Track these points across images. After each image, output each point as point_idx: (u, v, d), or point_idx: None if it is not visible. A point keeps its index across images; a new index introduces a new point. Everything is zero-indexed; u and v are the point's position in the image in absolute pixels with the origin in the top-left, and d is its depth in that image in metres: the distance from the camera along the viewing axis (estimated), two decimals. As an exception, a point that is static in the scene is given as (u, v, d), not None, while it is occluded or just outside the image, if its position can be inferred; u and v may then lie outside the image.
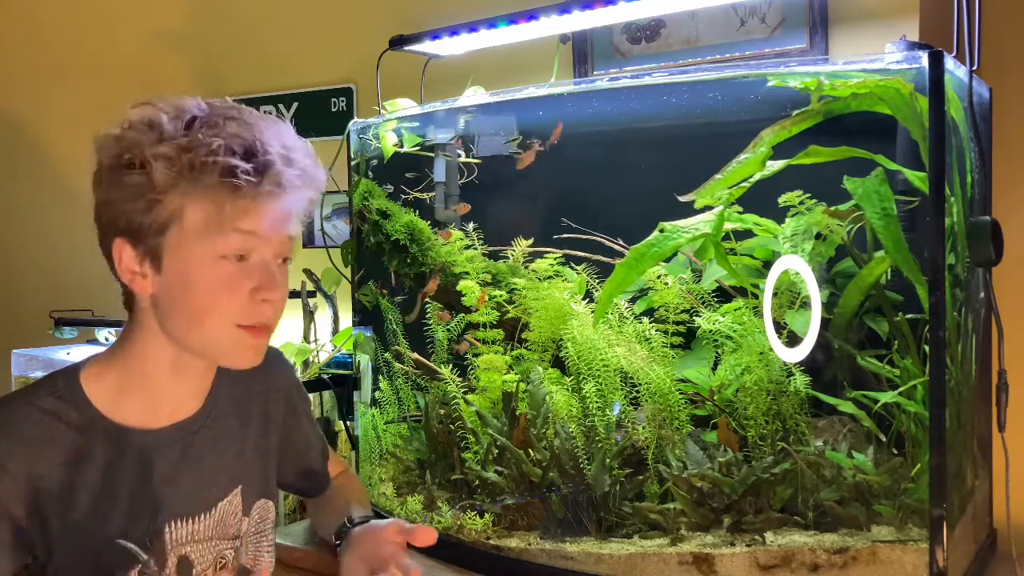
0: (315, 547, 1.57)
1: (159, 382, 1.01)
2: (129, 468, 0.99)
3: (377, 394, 1.74)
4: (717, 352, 1.41)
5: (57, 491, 0.94)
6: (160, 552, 1.01)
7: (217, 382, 1.09)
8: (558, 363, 1.51)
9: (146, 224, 0.93)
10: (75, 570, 0.96)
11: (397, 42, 1.78)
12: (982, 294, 1.38)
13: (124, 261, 0.96)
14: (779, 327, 1.28)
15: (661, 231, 1.38)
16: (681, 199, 1.37)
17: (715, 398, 1.40)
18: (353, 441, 1.84)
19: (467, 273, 1.60)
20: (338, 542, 1.16)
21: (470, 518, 1.48)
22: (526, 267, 1.57)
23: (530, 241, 1.57)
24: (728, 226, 1.38)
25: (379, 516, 1.64)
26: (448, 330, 1.66)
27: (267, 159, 0.93)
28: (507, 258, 1.59)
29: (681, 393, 1.40)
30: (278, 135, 0.96)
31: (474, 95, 1.68)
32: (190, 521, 1.04)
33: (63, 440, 0.95)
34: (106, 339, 2.57)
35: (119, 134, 0.94)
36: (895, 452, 1.29)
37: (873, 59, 1.21)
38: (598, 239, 1.55)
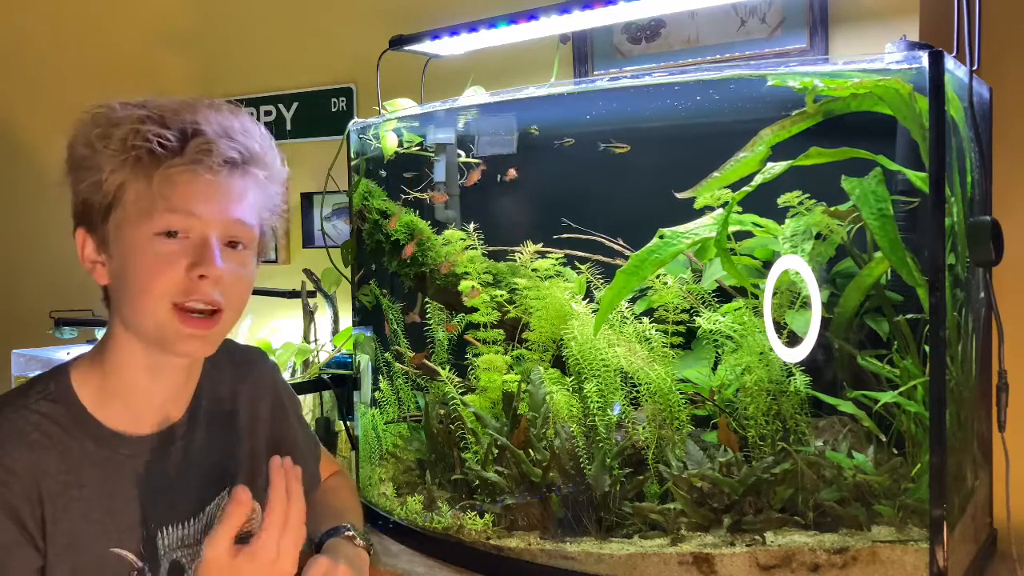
0: (309, 548, 1.57)
1: (137, 384, 0.99)
2: (121, 474, 0.98)
3: (377, 394, 1.73)
4: (717, 352, 1.41)
5: (56, 497, 0.93)
6: (153, 558, 1.00)
7: (202, 384, 1.08)
8: (558, 363, 1.51)
9: (94, 206, 0.94)
10: None
11: (397, 42, 1.78)
12: (982, 294, 1.38)
13: (86, 251, 0.97)
14: (779, 327, 1.28)
15: (661, 237, 1.38)
16: (679, 196, 1.37)
17: (715, 398, 1.40)
18: (353, 441, 1.84)
19: (468, 273, 1.60)
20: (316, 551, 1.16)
21: (470, 518, 1.48)
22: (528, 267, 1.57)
23: (538, 245, 1.56)
24: (727, 231, 1.38)
25: (377, 516, 1.64)
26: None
27: (196, 129, 0.92)
28: (514, 260, 1.59)
29: (681, 393, 1.40)
30: (220, 117, 0.95)
31: (474, 95, 1.68)
32: (180, 526, 1.03)
33: (59, 444, 0.94)
34: (106, 339, 2.57)
35: (76, 126, 0.95)
36: (895, 452, 1.29)
37: (873, 59, 1.21)
38: (598, 239, 1.55)
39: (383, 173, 1.74)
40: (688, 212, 1.40)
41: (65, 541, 0.93)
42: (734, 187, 1.33)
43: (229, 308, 0.96)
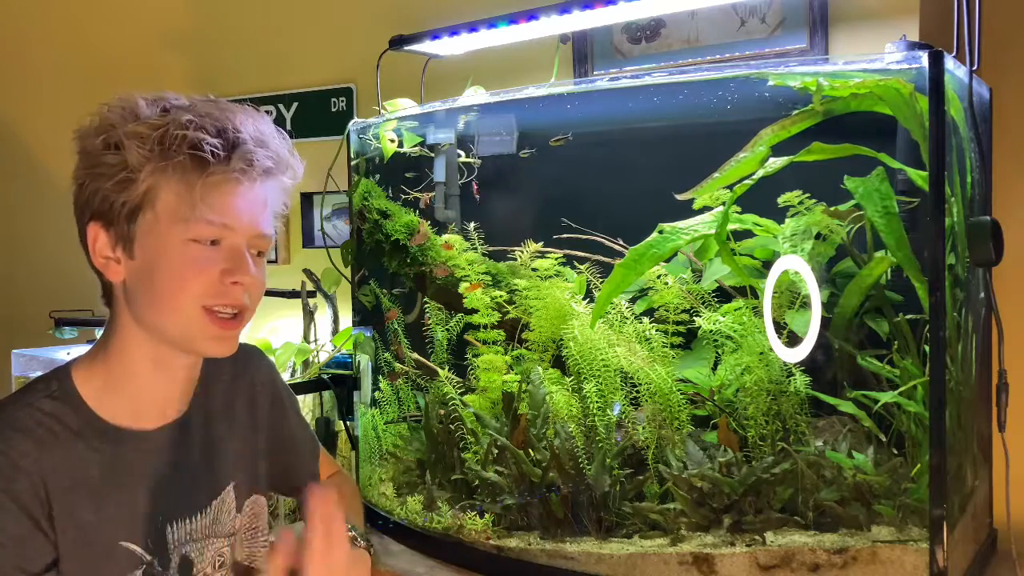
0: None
1: (142, 379, 1.00)
2: (127, 468, 0.99)
3: (377, 394, 1.73)
4: (717, 352, 1.41)
5: (63, 493, 0.94)
6: (163, 552, 1.01)
7: (202, 382, 1.09)
8: (558, 363, 1.51)
9: (118, 204, 0.94)
10: (83, 574, 0.95)
11: (397, 42, 1.77)
12: (982, 294, 1.38)
13: (98, 245, 0.97)
14: (779, 327, 1.28)
15: (660, 232, 1.38)
16: (679, 197, 1.37)
17: (715, 398, 1.40)
18: (353, 441, 1.84)
19: (467, 276, 1.60)
20: None
21: (470, 518, 1.48)
22: (528, 267, 1.57)
23: (539, 245, 1.56)
24: (728, 226, 1.38)
25: (377, 516, 1.64)
26: (447, 330, 1.66)
27: (238, 137, 0.94)
28: (514, 259, 1.59)
29: (681, 393, 1.40)
30: (253, 121, 0.97)
31: (474, 95, 1.68)
32: (187, 520, 1.04)
33: (64, 443, 0.95)
34: (106, 339, 2.57)
35: (96, 119, 0.95)
36: (895, 452, 1.29)
37: (873, 59, 1.21)
38: (598, 239, 1.55)
39: (377, 175, 1.74)
40: (688, 213, 1.40)
41: (74, 536, 0.94)
42: (733, 185, 1.33)
43: (250, 310, 0.99)
